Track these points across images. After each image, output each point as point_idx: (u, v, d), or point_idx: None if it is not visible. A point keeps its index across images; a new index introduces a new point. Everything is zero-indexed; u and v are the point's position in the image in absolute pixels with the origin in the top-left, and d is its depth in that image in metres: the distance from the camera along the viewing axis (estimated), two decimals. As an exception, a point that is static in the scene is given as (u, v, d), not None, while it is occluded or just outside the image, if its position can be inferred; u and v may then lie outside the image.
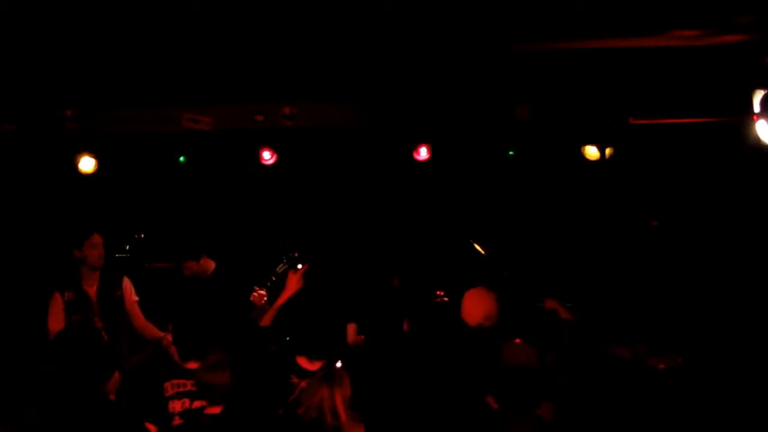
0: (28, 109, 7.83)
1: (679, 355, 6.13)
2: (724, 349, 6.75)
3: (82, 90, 7.54)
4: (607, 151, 8.26)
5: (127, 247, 8.32)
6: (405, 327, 6.59)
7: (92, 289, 6.71)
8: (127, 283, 6.87)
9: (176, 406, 5.28)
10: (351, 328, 7.39)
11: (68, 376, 4.68)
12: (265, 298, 6.76)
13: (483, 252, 7.69)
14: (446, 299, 7.46)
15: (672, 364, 6.03)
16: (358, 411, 4.71)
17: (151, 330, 6.81)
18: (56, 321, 6.50)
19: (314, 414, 4.65)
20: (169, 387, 5.32)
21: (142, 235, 8.25)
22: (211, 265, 7.12)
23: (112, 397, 4.85)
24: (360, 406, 4.73)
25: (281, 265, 6.95)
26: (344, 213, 8.97)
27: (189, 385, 5.30)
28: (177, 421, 5.23)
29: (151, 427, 4.97)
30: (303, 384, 5.22)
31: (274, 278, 6.90)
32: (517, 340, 5.04)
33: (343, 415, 4.67)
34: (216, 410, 5.00)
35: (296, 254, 6.98)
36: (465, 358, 5.43)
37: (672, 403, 5.31)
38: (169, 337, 6.23)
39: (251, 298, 6.76)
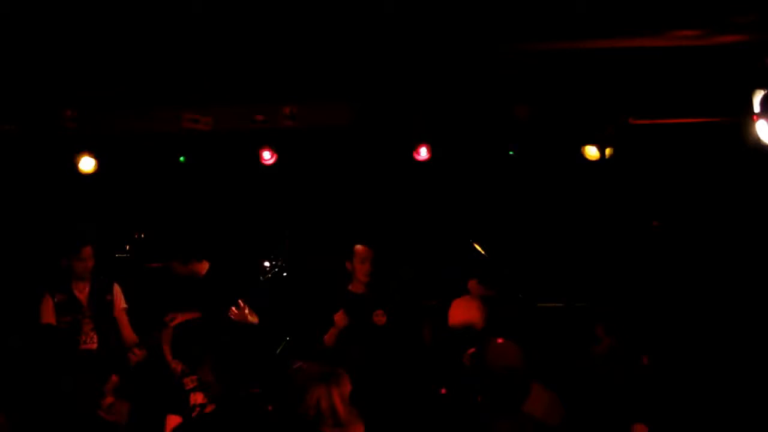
0: (28, 109, 7.83)
1: (681, 353, 6.13)
2: (723, 348, 6.75)
3: (82, 90, 7.54)
4: (607, 151, 8.26)
5: (127, 247, 8.32)
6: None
7: (84, 292, 6.70)
8: (117, 290, 6.84)
9: (198, 398, 5.36)
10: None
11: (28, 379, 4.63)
12: (247, 313, 6.72)
13: (483, 252, 7.68)
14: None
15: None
16: (358, 407, 4.71)
17: (134, 340, 6.77)
18: (47, 322, 6.50)
19: (312, 412, 4.65)
20: (189, 382, 5.42)
21: (142, 235, 8.24)
22: (204, 266, 7.04)
23: (111, 398, 4.87)
24: (360, 402, 4.73)
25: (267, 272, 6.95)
26: (343, 213, 8.97)
27: None
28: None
29: (175, 417, 5.04)
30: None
31: (261, 278, 6.88)
32: (500, 340, 5.01)
33: (341, 413, 4.67)
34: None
35: (281, 262, 6.97)
36: (449, 359, 5.46)
37: (658, 398, 5.32)
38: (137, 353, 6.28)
39: (230, 314, 6.70)
